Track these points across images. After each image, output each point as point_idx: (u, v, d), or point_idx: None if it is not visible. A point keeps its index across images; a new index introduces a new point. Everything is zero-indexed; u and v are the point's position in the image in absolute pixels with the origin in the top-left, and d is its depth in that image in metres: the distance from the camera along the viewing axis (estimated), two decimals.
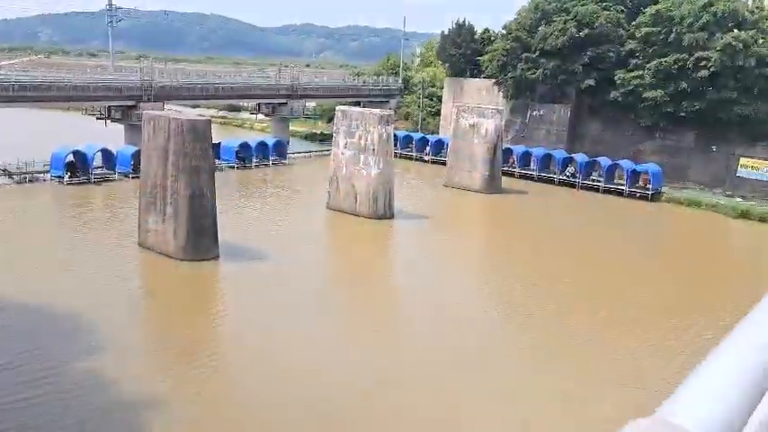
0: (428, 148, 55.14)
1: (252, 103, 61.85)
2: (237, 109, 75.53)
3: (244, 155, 47.79)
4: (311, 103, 68.61)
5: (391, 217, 35.96)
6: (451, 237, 34.65)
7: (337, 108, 38.48)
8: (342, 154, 36.80)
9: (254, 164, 48.22)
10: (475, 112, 44.86)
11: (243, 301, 22.61)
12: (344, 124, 36.72)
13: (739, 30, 42.61)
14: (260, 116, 64.58)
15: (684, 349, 20.05)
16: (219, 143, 46.93)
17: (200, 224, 27.01)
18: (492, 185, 44.10)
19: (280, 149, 50.70)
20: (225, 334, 20.47)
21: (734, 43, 41.41)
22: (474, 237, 36.05)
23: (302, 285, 24.42)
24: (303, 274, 25.81)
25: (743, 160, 44.52)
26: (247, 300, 22.68)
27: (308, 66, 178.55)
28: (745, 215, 40.12)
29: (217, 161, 46.47)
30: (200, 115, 38.61)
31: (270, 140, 51.66)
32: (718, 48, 41.89)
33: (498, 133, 44.40)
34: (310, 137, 65.94)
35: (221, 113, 76.70)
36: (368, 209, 35.74)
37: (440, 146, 53.77)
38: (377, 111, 37.40)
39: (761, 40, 42.50)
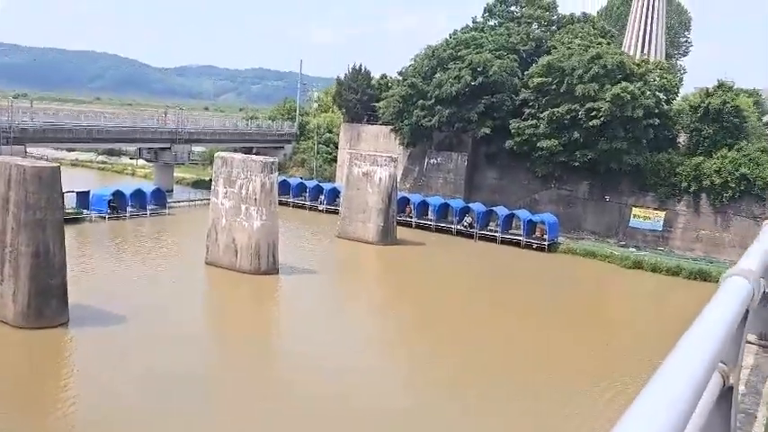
0: (322, 197, 54.01)
1: (133, 147, 58.85)
2: (118, 153, 71.89)
3: (117, 204, 44.78)
4: (199, 148, 66.32)
5: (276, 272, 34.19)
6: (340, 293, 33.27)
7: (217, 154, 36.74)
8: (221, 204, 34.90)
9: (128, 214, 45.24)
10: (368, 159, 44.28)
11: (86, 381, 20.09)
12: (224, 172, 34.96)
13: (627, 82, 44.56)
14: (141, 161, 61.52)
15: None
16: (89, 191, 43.85)
17: (45, 285, 24.26)
18: (387, 236, 43.31)
19: (159, 198, 47.99)
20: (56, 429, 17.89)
21: (622, 94, 43.18)
22: (364, 293, 34.75)
23: (164, 357, 22.11)
24: (167, 343, 23.49)
25: (635, 210, 46.10)
26: (91, 379, 20.16)
27: (206, 108, 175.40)
28: (638, 265, 41.16)
29: (86, 211, 43.52)
30: (61, 160, 35.80)
31: (148, 188, 48.88)
32: (607, 99, 43.54)
33: (393, 182, 43.91)
34: (198, 184, 63.29)
35: (101, 158, 72.73)
36: (249, 264, 33.85)
37: (335, 194, 52.74)
38: (259, 157, 35.96)
39: (647, 92, 44.57)
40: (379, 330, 28.43)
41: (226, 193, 34.77)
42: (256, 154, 52.76)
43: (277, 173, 35.96)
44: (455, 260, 41.42)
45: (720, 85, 45.58)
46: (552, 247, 44.39)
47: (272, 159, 35.79)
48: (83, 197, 43.62)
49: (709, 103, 44.11)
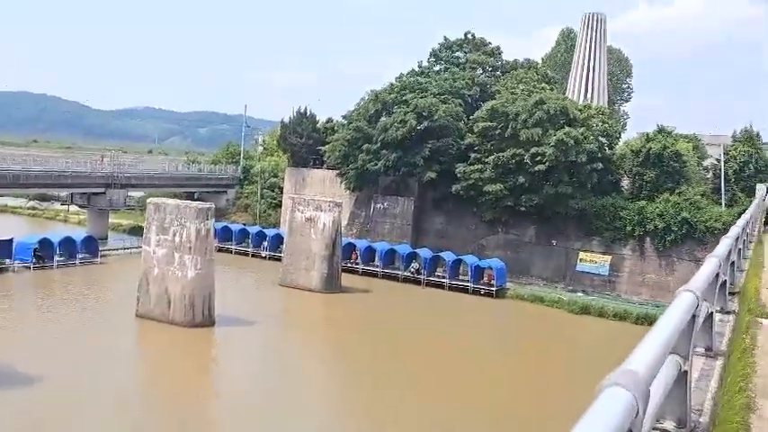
0: (266, 243, 52.94)
1: (64, 192, 56.89)
2: (50, 199, 69.47)
3: (43, 253, 42.79)
4: (137, 193, 64.64)
5: (211, 324, 32.86)
6: (280, 347, 32.12)
7: (149, 200, 35.57)
8: (154, 253, 33.58)
9: (56, 263, 43.24)
10: (311, 204, 43.64)
11: None
12: (157, 219, 33.75)
13: (570, 127, 45.41)
14: (74, 207, 59.47)
15: None
16: (12, 239, 41.81)
17: None
18: (331, 284, 42.43)
19: (90, 246, 46.10)
20: None
21: (566, 139, 43.92)
22: (306, 347, 33.62)
23: (80, 428, 20.61)
24: (83, 410, 21.97)
25: (582, 254, 46.52)
26: None
27: (150, 152, 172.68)
28: (585, 310, 41.23)
29: (8, 261, 41.45)
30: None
31: (79, 235, 47.00)
32: (551, 144, 44.19)
33: (337, 227, 43.29)
34: (135, 230, 61.32)
35: (31, 203, 70.12)
36: (183, 316, 32.47)
37: (279, 240, 51.66)
38: (195, 203, 34.96)
39: (590, 137, 45.47)
40: (323, 391, 27.37)
41: (158, 241, 33.51)
42: (198, 199, 51.65)
43: (213, 219, 34.93)
44: (402, 308, 40.73)
45: (660, 131, 46.92)
46: (500, 293, 44.19)
47: (207, 205, 34.80)
48: (5, 246, 41.51)
49: (650, 147, 45.29)
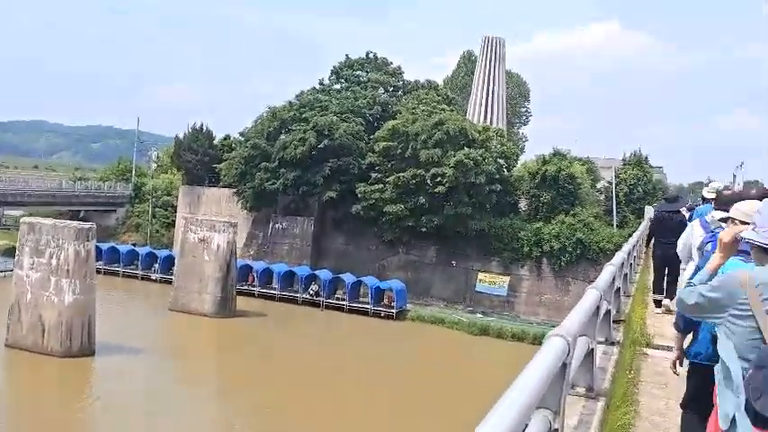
0: (157, 265, 50.54)
1: None
2: None
3: None
4: (16, 212, 60.33)
5: (91, 354, 30.69)
6: (166, 378, 30.28)
7: (22, 220, 33.11)
8: (27, 277, 31.10)
9: None
10: (205, 225, 41.98)
11: None
12: (32, 240, 31.34)
13: (470, 148, 46.07)
14: None
15: None
16: None
17: None
18: (225, 308, 40.83)
19: None
20: None
21: (465, 161, 44.46)
22: (195, 377, 31.90)
23: None
24: None
25: (481, 275, 47.10)
26: None
27: (35, 167, 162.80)
28: (484, 331, 41.61)
29: None
30: None
31: None
32: (451, 164, 44.61)
33: (231, 249, 41.79)
34: (12, 251, 57.10)
35: None
36: (59, 345, 30.12)
37: (170, 262, 49.39)
38: (74, 223, 32.74)
39: (489, 159, 46.30)
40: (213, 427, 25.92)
41: (33, 264, 31.06)
42: (84, 219, 48.78)
43: (95, 240, 32.84)
44: (299, 332, 39.65)
45: (556, 153, 48.45)
46: (400, 315, 43.99)
47: (88, 225, 32.67)
48: None
49: (546, 169, 46.64)
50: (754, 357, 2.59)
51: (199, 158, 56.66)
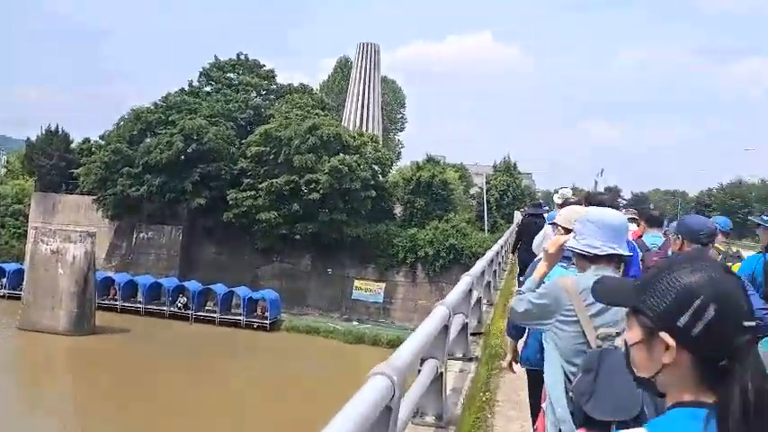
0: (4, 280, 46.47)
1: None
2: None
3: None
4: None
5: None
6: (11, 409, 27.56)
7: None
8: None
9: None
10: (59, 235, 38.96)
11: None
12: None
13: (345, 154, 45.73)
14: None
15: None
16: None
17: None
18: (82, 325, 38.03)
19: None
20: None
21: (340, 166, 44.04)
22: (42, 403, 29.30)
23: None
24: None
25: (357, 282, 46.84)
26: None
27: None
28: (360, 339, 41.34)
29: None
30: None
31: None
32: (326, 170, 44.05)
33: (90, 260, 39.03)
34: None
35: None
36: None
37: (21, 276, 45.42)
38: None
39: (364, 165, 46.15)
40: None
41: None
42: None
43: None
44: (166, 348, 37.48)
45: (429, 160, 49.14)
46: (274, 326, 42.90)
47: None
48: None
49: (420, 175, 47.19)
50: (581, 362, 2.63)
51: (54, 163, 52.71)
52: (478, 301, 9.14)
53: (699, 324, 1.32)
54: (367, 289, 46.68)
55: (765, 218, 4.82)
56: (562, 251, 3.37)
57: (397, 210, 50.50)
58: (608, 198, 6.08)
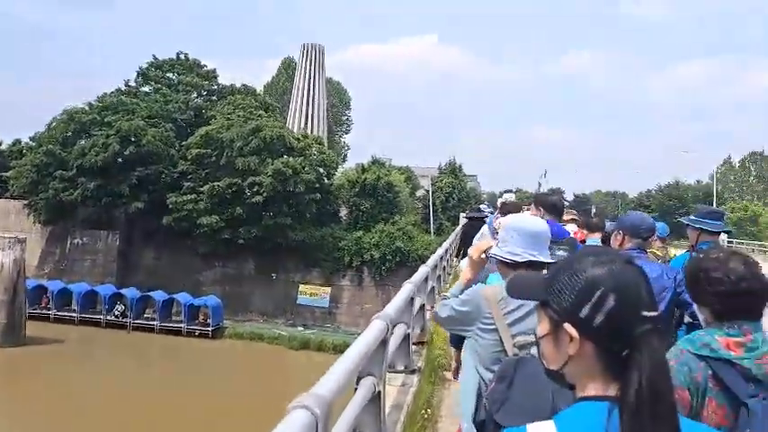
0: None
1: None
2: None
3: None
4: None
5: None
6: None
7: None
8: None
9: None
10: None
11: None
12: None
13: (288, 156, 45.07)
14: None
15: None
16: None
17: None
18: (12, 336, 36.24)
19: None
20: None
21: (284, 169, 43.37)
22: None
23: None
24: None
25: (302, 287, 46.18)
26: None
27: None
28: (305, 345, 40.73)
29: None
30: None
31: None
32: (269, 173, 43.30)
33: (19, 268, 37.31)
34: None
35: None
36: None
37: None
38: None
39: (308, 167, 45.57)
40: None
41: None
42: None
43: None
44: (101, 359, 36.22)
45: (375, 162, 48.87)
46: (217, 333, 41.92)
47: None
48: None
49: (366, 178, 46.86)
50: (496, 369, 2.63)
51: None
52: (422, 308, 8.84)
53: (599, 315, 1.33)
54: (312, 293, 46.07)
55: (693, 218, 4.99)
56: (485, 259, 3.37)
57: (343, 213, 50.07)
58: (558, 199, 5.91)
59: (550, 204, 5.69)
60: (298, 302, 46.18)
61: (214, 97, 53.50)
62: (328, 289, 46.12)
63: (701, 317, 2.54)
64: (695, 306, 2.62)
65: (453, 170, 53.96)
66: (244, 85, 55.86)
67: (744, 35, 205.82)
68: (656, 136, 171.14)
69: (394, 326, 6.22)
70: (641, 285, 1.37)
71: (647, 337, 1.31)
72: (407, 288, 6.51)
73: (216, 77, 54.80)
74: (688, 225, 5.07)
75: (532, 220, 3.29)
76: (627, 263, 1.40)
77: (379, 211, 47.20)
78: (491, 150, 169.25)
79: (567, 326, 1.37)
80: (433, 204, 50.04)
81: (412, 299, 6.96)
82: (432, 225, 49.00)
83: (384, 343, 4.74)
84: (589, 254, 1.44)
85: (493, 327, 2.91)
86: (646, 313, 1.34)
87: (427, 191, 52.43)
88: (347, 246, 45.72)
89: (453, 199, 51.20)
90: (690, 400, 2.27)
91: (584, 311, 1.35)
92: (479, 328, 2.97)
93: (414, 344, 7.45)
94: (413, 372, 6.70)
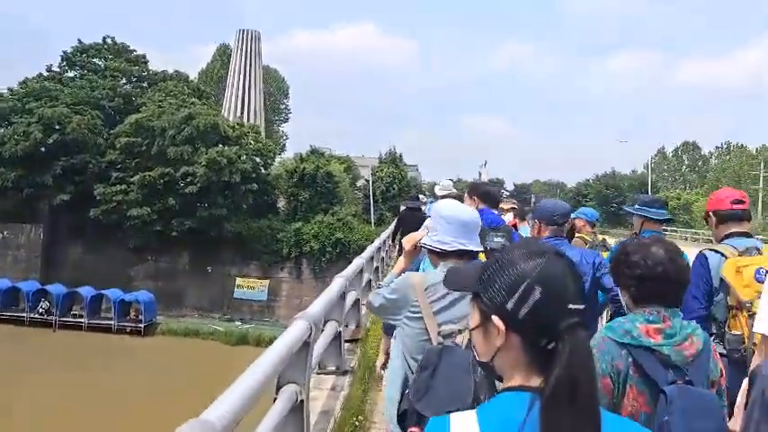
0: None
1: None
2: None
3: None
4: None
5: None
6: None
7: None
8: None
9: None
10: None
11: None
12: None
13: (223, 145, 43.84)
14: None
15: None
16: None
17: None
18: None
19: None
20: None
21: (218, 158, 42.16)
22: None
23: None
24: None
25: (239, 280, 45.12)
26: None
27: None
28: (242, 340, 39.85)
29: None
30: None
31: None
32: (203, 163, 42.04)
33: None
34: None
35: None
36: None
37: None
38: None
39: (244, 156, 44.44)
40: None
41: None
42: None
43: None
44: (23, 360, 34.40)
45: (313, 151, 48.05)
46: (150, 330, 40.61)
47: None
48: None
49: (304, 168, 46.01)
50: (420, 359, 2.62)
51: None
52: (356, 302, 8.33)
53: (524, 307, 1.33)
54: (250, 287, 45.07)
55: (637, 207, 5.09)
56: (418, 248, 3.32)
57: (281, 203, 49.10)
58: (492, 188, 5.88)
59: (484, 193, 5.74)
60: (234, 296, 45.11)
61: (144, 84, 51.56)
62: (266, 282, 45.19)
63: (622, 300, 2.58)
64: (618, 290, 2.66)
65: (394, 160, 53.61)
66: (176, 71, 54.05)
67: (677, 27, 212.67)
68: (594, 127, 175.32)
69: (325, 322, 5.72)
70: (569, 278, 1.35)
71: (572, 330, 1.29)
72: (338, 282, 5.99)
73: (146, 63, 52.83)
74: (632, 213, 5.14)
75: (461, 209, 3.26)
76: (556, 255, 1.38)
77: (318, 202, 46.44)
78: (432, 141, 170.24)
79: (495, 318, 1.35)
80: (374, 194, 49.58)
81: (344, 294, 6.44)
82: (372, 215, 48.55)
83: (307, 345, 4.20)
84: (520, 246, 1.42)
85: (419, 315, 2.89)
86: (572, 306, 1.31)
87: (367, 181, 51.92)
88: (285, 237, 44.82)
89: (394, 189, 50.81)
90: (611, 387, 2.31)
91: (510, 304, 1.33)
92: (407, 317, 2.94)
93: (347, 341, 6.93)
94: (345, 373, 6.17)
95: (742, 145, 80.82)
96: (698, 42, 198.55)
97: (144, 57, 52.88)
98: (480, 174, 75.34)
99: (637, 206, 5.08)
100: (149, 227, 43.33)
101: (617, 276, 2.58)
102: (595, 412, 1.26)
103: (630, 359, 2.32)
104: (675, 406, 2.20)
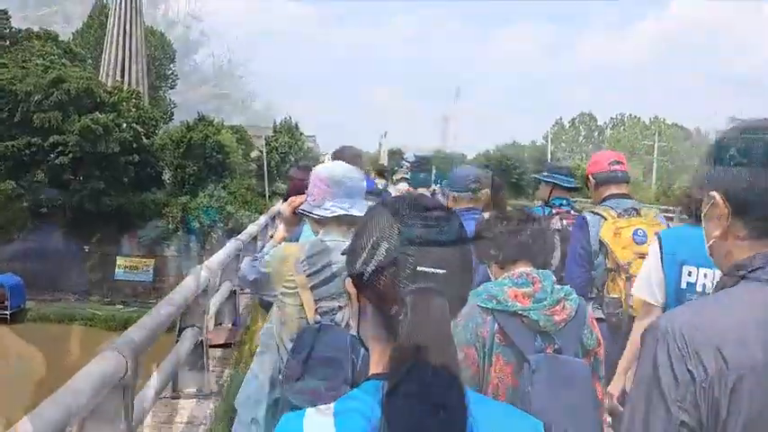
0: None
1: None
2: None
3: None
4: None
5: None
6: None
7: None
8: None
9: None
10: None
11: None
12: None
13: (99, 112, 40.74)
14: None
15: None
16: None
17: None
18: None
19: None
20: None
21: (93, 126, 39.19)
22: None
23: None
24: None
25: (120, 260, 42.45)
26: None
27: None
28: (125, 325, 37.13)
29: None
30: None
31: None
32: (75, 131, 39.01)
33: None
34: None
35: None
36: None
37: None
38: None
39: (123, 125, 41.55)
40: None
41: None
42: None
43: None
44: None
45: (201, 119, 45.62)
46: (18, 316, 37.69)
47: None
48: None
49: (191, 137, 43.58)
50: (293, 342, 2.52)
51: None
52: (234, 292, 6.94)
53: (370, 266, 1.19)
54: (132, 267, 42.47)
55: (546, 174, 5.08)
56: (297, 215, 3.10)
57: (167, 176, 46.44)
58: (349, 155, 5.26)
59: (350, 158, 5.24)
60: (116, 278, 42.44)
61: (5, 43, 47.18)
62: (151, 261, 42.73)
63: (491, 275, 2.50)
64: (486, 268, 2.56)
65: (290, 129, 51.88)
66: (43, 29, 49.68)
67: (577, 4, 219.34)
68: (496, 97, 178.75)
69: (180, 331, 4.47)
70: (424, 237, 1.17)
71: (421, 295, 1.12)
72: (195, 277, 4.61)
73: (8, 20, 48.31)
74: (541, 180, 5.08)
75: (342, 168, 3.01)
76: (414, 210, 1.20)
77: (207, 174, 44.19)
78: (331, 111, 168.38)
79: (347, 281, 1.24)
80: (268, 166, 47.73)
81: (207, 289, 5.05)
82: (267, 188, 46.75)
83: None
84: (381, 204, 1.29)
85: (295, 290, 2.69)
86: (423, 269, 1.15)
87: (261, 151, 49.93)
88: (172, 212, 42.49)
89: (290, 160, 49.21)
90: (477, 358, 2.21)
91: (358, 264, 1.20)
92: (282, 293, 2.74)
93: (212, 346, 5.53)
94: (208, 396, 4.77)
95: (636, 116, 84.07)
96: (597, 16, 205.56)
97: (6, 12, 48.37)
98: (380, 144, 74.60)
99: (546, 173, 5.05)
100: (15, 203, 40.12)
101: (480, 252, 2.43)
102: (441, 399, 1.03)
103: (496, 326, 2.22)
104: (539, 375, 2.11)
